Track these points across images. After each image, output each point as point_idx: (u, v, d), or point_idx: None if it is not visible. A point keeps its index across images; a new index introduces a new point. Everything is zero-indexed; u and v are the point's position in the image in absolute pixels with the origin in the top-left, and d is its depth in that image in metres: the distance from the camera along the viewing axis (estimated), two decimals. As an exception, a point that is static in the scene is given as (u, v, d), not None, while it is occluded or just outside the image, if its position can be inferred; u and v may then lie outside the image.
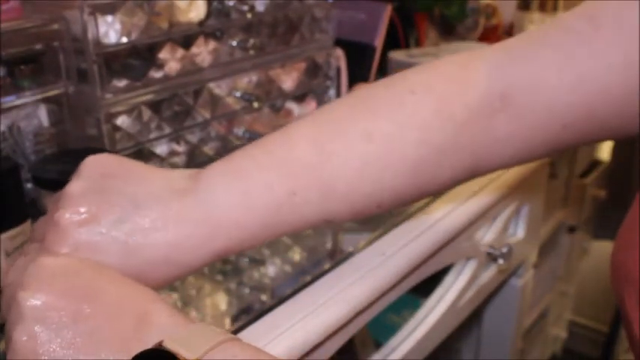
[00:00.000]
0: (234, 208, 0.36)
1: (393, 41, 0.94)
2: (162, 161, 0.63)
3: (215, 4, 0.64)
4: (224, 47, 0.67)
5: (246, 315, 0.47)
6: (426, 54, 0.90)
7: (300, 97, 0.78)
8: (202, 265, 0.36)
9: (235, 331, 0.45)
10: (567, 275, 1.37)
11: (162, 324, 0.30)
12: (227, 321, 0.48)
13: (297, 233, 0.58)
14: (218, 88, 0.67)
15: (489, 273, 0.72)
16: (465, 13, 1.06)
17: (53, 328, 0.29)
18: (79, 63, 0.56)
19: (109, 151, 0.55)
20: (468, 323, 0.91)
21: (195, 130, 0.66)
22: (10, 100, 0.55)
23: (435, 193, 0.43)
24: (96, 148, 0.57)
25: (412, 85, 0.40)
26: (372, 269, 0.52)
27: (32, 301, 0.30)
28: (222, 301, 0.53)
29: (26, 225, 0.47)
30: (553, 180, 1.12)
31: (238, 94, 0.69)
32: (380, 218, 0.58)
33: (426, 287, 0.65)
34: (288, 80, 0.75)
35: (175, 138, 0.64)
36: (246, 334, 0.45)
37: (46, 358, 0.29)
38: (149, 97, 0.60)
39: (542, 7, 1.13)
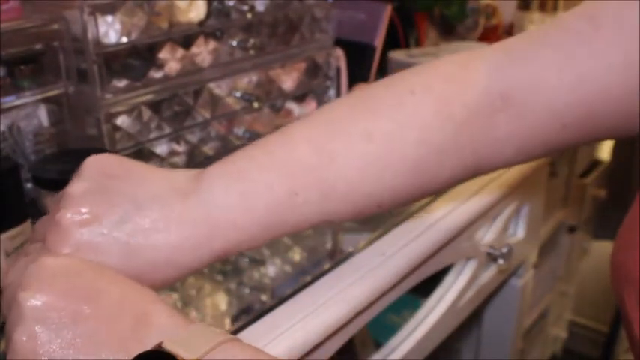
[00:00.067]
0: (233, 209, 0.36)
1: (393, 41, 0.94)
2: (162, 161, 0.63)
3: (215, 4, 0.64)
4: (224, 47, 0.67)
5: (246, 315, 0.48)
6: (426, 54, 0.90)
7: (300, 97, 0.78)
8: (202, 265, 0.36)
9: (235, 331, 0.45)
10: (567, 275, 1.37)
11: (162, 325, 0.30)
12: (227, 321, 0.48)
13: (297, 233, 0.58)
14: (218, 88, 0.67)
15: (489, 273, 0.72)
16: (465, 13, 1.06)
17: (53, 329, 0.29)
18: (79, 63, 0.56)
19: (110, 152, 0.55)
20: (468, 323, 0.91)
21: (195, 130, 0.66)
22: (10, 100, 0.55)
23: (436, 192, 0.43)
24: (96, 148, 0.57)
25: (412, 85, 0.40)
26: (372, 269, 0.52)
27: (33, 301, 0.30)
28: (222, 301, 0.53)
29: (26, 225, 0.47)
30: (553, 180, 1.12)
31: (238, 94, 0.69)
32: (380, 218, 0.58)
33: (426, 287, 0.65)
34: (288, 80, 0.75)
35: (175, 138, 0.64)
36: (246, 334, 0.45)
37: (46, 358, 0.29)
38: (149, 97, 0.60)
39: (542, 7, 1.13)
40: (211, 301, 0.52)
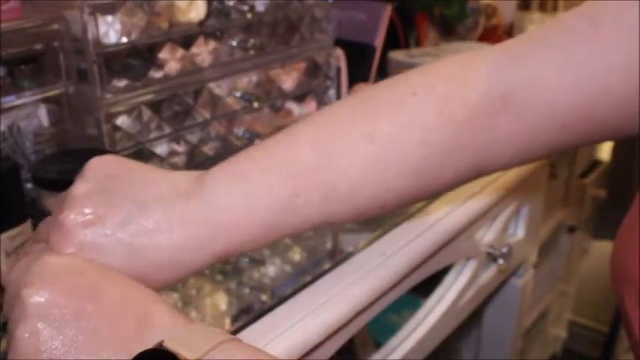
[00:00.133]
0: (236, 210, 0.36)
1: (393, 41, 0.94)
2: (162, 161, 0.63)
3: (215, 4, 0.64)
4: (224, 47, 0.67)
5: (246, 315, 0.48)
6: (426, 54, 0.90)
7: (300, 97, 0.78)
8: (204, 266, 0.36)
9: (235, 331, 0.45)
10: (567, 275, 1.37)
11: (163, 325, 0.30)
12: (227, 321, 0.48)
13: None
14: (218, 88, 0.67)
15: (489, 273, 0.72)
16: (465, 13, 1.06)
17: (55, 326, 0.29)
18: (79, 63, 0.56)
19: (111, 152, 0.55)
20: (468, 323, 0.91)
21: (195, 130, 0.66)
22: (10, 100, 0.55)
23: (438, 193, 0.43)
24: (96, 148, 0.57)
25: (414, 86, 0.40)
26: (372, 269, 0.52)
27: (36, 297, 0.30)
28: (222, 301, 0.53)
29: (26, 225, 0.47)
30: (553, 180, 1.12)
31: (238, 94, 0.69)
32: (380, 218, 0.58)
33: (426, 287, 0.65)
34: (288, 80, 0.75)
35: (175, 138, 0.64)
36: (246, 334, 0.45)
37: (47, 355, 0.29)
38: (149, 97, 0.60)
39: (542, 7, 1.13)
40: (211, 301, 0.52)
